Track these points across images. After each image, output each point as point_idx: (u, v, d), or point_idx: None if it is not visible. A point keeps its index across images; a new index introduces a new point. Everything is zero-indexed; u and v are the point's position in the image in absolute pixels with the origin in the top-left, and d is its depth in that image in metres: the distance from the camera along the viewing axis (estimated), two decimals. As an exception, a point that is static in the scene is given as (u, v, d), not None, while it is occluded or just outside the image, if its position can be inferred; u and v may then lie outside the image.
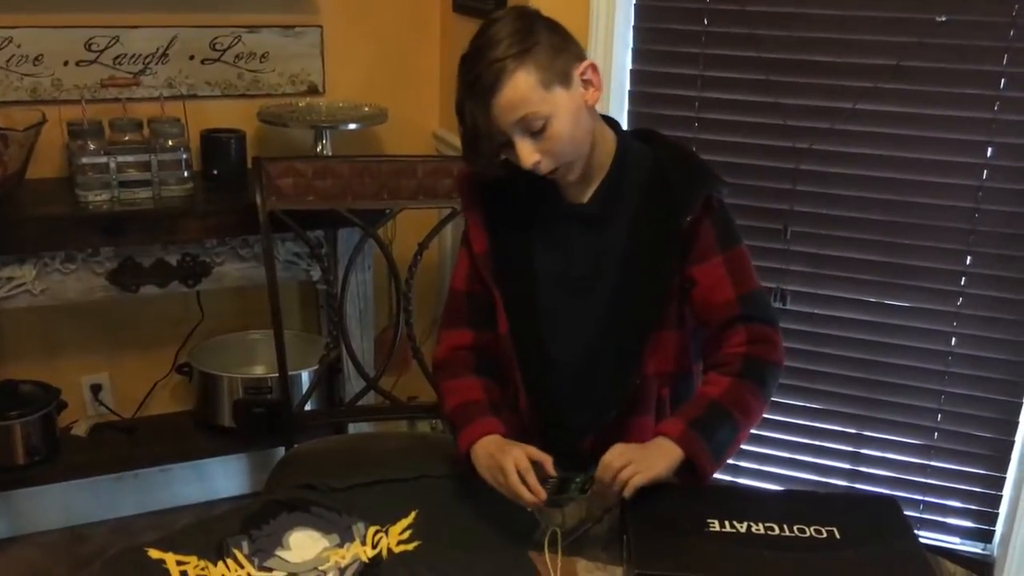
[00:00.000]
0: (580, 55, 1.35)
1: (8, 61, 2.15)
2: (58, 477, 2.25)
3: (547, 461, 1.28)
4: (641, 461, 1.26)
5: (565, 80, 1.30)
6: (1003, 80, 1.85)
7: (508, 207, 1.45)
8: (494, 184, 1.44)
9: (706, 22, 2.02)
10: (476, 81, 1.27)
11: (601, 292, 1.42)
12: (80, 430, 2.36)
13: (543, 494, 1.25)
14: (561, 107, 1.29)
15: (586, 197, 1.42)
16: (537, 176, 1.36)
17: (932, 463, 2.06)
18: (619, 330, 1.42)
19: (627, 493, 1.24)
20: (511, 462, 1.26)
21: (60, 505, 2.41)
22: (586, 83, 1.34)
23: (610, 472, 1.25)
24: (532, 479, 1.25)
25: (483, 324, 1.49)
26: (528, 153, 1.30)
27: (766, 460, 2.20)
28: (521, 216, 1.45)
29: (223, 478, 2.57)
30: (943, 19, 1.85)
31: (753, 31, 1.97)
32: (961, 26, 1.84)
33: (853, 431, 2.12)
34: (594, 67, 1.35)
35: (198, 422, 2.44)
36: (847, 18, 1.91)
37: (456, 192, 1.54)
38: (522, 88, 1.27)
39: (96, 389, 2.46)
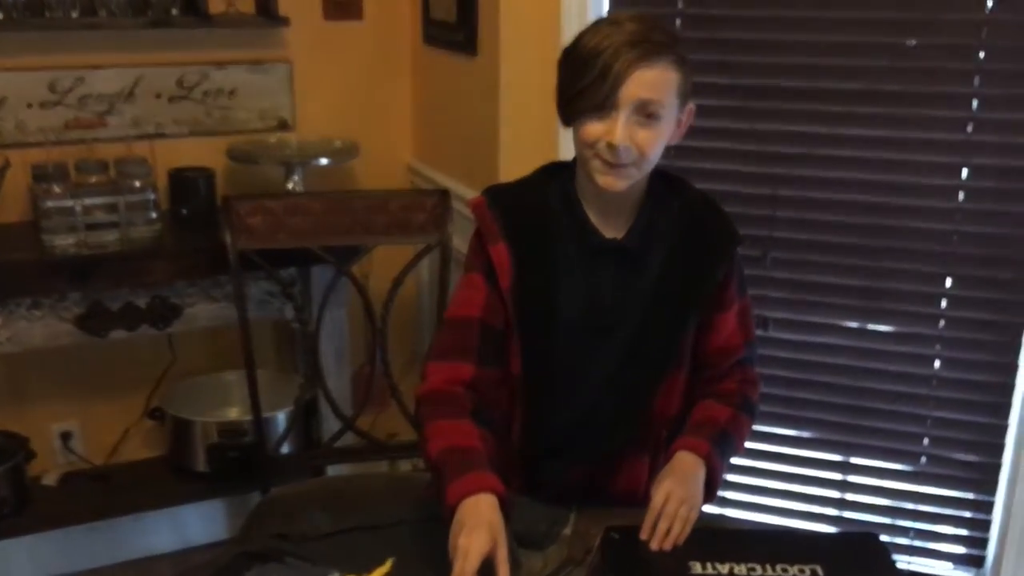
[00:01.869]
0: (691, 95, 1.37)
1: (-30, 105, 2.11)
2: (28, 529, 2.18)
3: (502, 568, 1.14)
4: (692, 497, 1.28)
5: (682, 105, 1.34)
6: (975, 101, 1.85)
7: (534, 240, 1.39)
8: (519, 214, 1.40)
9: (690, 68, 2.00)
10: (639, 42, 1.25)
11: (623, 329, 1.39)
12: (50, 479, 2.30)
13: None
14: (669, 121, 1.32)
15: (620, 232, 1.39)
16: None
17: (921, 489, 2.04)
18: (635, 369, 1.40)
19: (685, 535, 1.24)
20: (471, 555, 1.12)
21: (31, 557, 2.33)
22: (679, 121, 1.35)
23: (668, 519, 1.25)
24: None
25: (491, 359, 1.38)
26: (623, 132, 1.27)
27: (753, 490, 2.17)
28: (547, 250, 1.39)
29: (199, 525, 2.50)
30: (913, 43, 1.85)
31: (725, 58, 1.96)
32: (931, 49, 1.85)
33: (839, 458, 2.09)
34: (692, 113, 1.37)
35: (172, 468, 2.38)
36: (819, 43, 1.91)
37: (474, 219, 1.42)
38: (668, 78, 1.28)
39: (66, 437, 2.40)
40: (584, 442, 1.42)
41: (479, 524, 1.14)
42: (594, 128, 1.29)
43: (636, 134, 1.28)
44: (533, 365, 1.39)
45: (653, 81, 1.26)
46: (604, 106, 1.27)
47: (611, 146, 1.27)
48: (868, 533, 1.30)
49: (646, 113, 1.27)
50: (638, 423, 1.42)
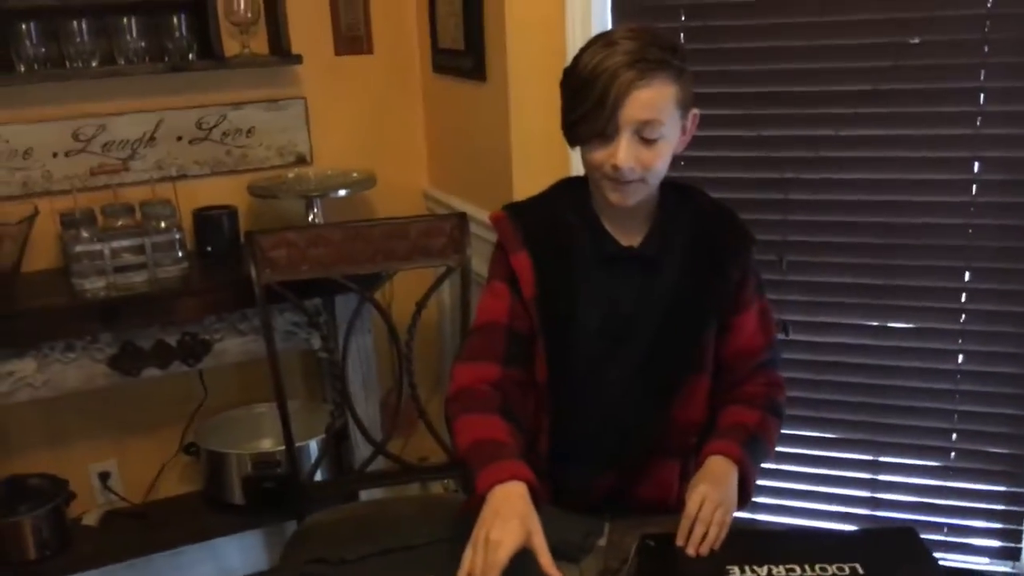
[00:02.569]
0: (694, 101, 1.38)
1: (-2, 157, 2.18)
2: (71, 569, 2.21)
3: (543, 555, 1.12)
4: (726, 501, 1.29)
5: (684, 114, 1.36)
6: (982, 95, 1.86)
7: (554, 249, 1.43)
8: (538, 225, 1.44)
9: (687, 62, 2.03)
10: (634, 62, 1.26)
11: (643, 335, 1.42)
12: (90, 520, 2.33)
13: None
14: (673, 133, 1.34)
15: (636, 240, 1.42)
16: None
17: (951, 484, 2.03)
18: (658, 374, 1.42)
19: (721, 539, 1.25)
20: (502, 548, 1.10)
21: (75, 598, 2.37)
22: (684, 129, 1.38)
23: (704, 524, 1.26)
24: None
25: (517, 362, 1.41)
26: (627, 154, 1.30)
27: (783, 494, 2.17)
28: (567, 259, 1.42)
29: (237, 556, 2.53)
30: (916, 41, 1.87)
31: (729, 67, 1.98)
32: (935, 46, 1.86)
33: (868, 458, 2.10)
34: (696, 119, 1.40)
35: (208, 501, 2.41)
36: (820, 48, 1.93)
37: (496, 231, 1.46)
38: (666, 95, 1.30)
39: (104, 476, 2.44)
40: (611, 449, 1.44)
41: (511, 515, 1.13)
42: (598, 153, 1.33)
43: (640, 153, 1.31)
44: (557, 371, 1.42)
45: (651, 101, 1.28)
46: (605, 131, 1.30)
47: (616, 168, 1.30)
48: (905, 527, 1.30)
49: (647, 132, 1.30)
50: (663, 429, 1.44)
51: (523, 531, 1.12)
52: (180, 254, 2.16)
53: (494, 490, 1.17)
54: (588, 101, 1.28)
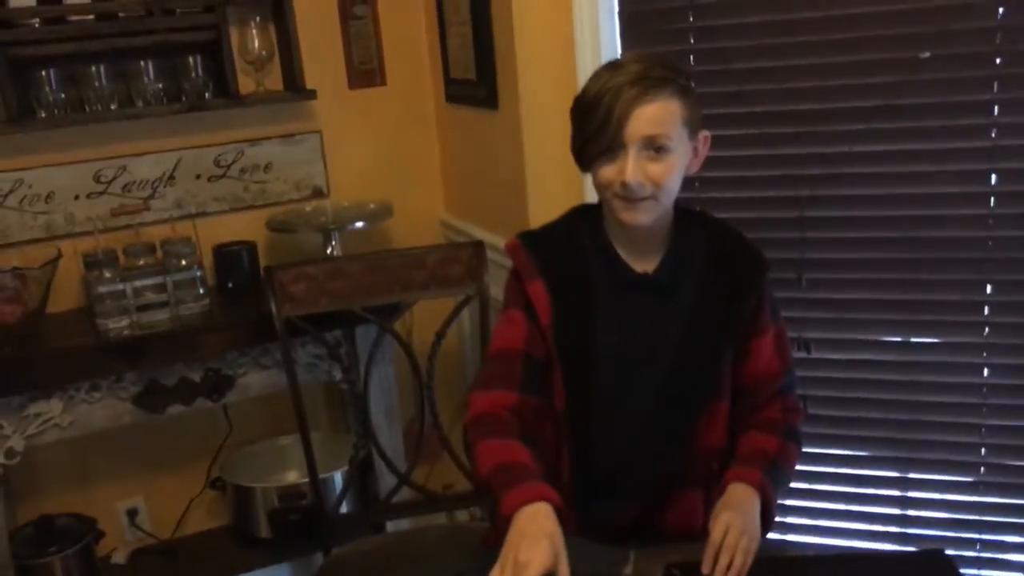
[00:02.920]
0: (703, 124, 1.40)
1: (21, 202, 2.21)
2: (101, 608, 2.23)
3: None
4: (751, 528, 1.29)
5: (693, 133, 1.38)
6: (996, 107, 1.85)
7: (569, 277, 1.43)
8: (553, 253, 1.45)
9: (693, 84, 2.04)
10: (638, 80, 1.29)
11: (661, 362, 1.42)
12: (119, 557, 2.35)
13: None
14: (681, 151, 1.35)
15: (651, 266, 1.43)
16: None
17: (982, 499, 2.00)
18: (676, 400, 1.42)
19: (747, 567, 1.25)
20: (531, 568, 1.10)
21: (106, 636, 2.38)
22: (696, 150, 1.40)
23: (729, 552, 1.25)
24: None
25: (534, 389, 1.41)
26: (635, 170, 1.31)
27: (811, 513, 2.15)
28: (582, 286, 1.43)
29: (265, 591, 2.54)
30: (927, 55, 1.86)
31: (740, 87, 1.99)
32: (946, 60, 1.85)
33: (896, 475, 2.07)
34: (708, 140, 1.41)
35: (235, 535, 2.43)
36: (830, 65, 1.92)
37: (510, 259, 1.47)
38: (670, 111, 1.32)
39: (132, 514, 2.45)
40: (632, 477, 1.44)
41: (539, 536, 1.12)
42: (607, 171, 1.34)
43: (648, 169, 1.32)
44: (576, 399, 1.42)
45: (655, 116, 1.30)
46: (612, 148, 1.31)
47: (624, 184, 1.31)
48: (934, 550, 1.28)
49: (654, 147, 1.31)
50: (684, 455, 1.43)
51: (552, 551, 1.11)
52: (201, 291, 2.18)
53: (520, 511, 1.16)
54: (595, 121, 1.31)
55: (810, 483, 2.13)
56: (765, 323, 1.45)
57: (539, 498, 1.18)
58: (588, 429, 1.43)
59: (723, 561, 1.24)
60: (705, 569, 1.25)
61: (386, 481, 2.26)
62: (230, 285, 2.32)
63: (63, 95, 2.16)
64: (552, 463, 1.44)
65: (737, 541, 1.25)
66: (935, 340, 1.99)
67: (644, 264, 1.43)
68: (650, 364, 1.42)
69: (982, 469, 1.99)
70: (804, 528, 2.16)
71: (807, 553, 1.85)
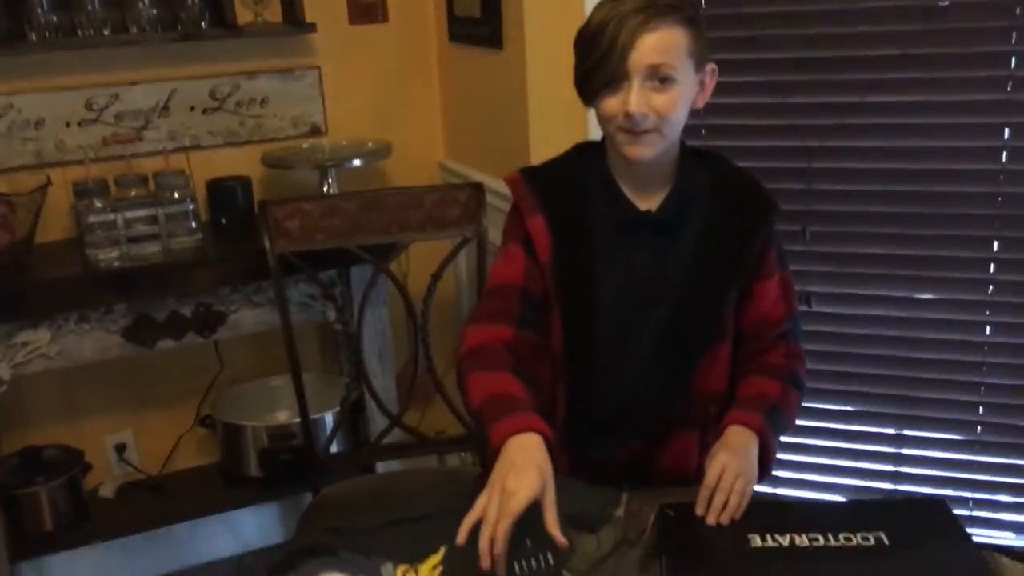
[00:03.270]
0: (710, 56, 1.35)
1: (10, 127, 2.16)
2: (88, 540, 2.22)
3: (549, 512, 1.08)
4: (747, 470, 1.26)
5: (699, 66, 1.33)
6: (1013, 59, 1.80)
7: (570, 213, 1.39)
8: (554, 189, 1.40)
9: (700, 13, 1.99)
10: (643, 8, 1.25)
11: (663, 303, 1.38)
12: (107, 491, 2.34)
13: (499, 571, 1.05)
14: (686, 82, 1.30)
15: (654, 204, 1.39)
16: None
17: (977, 458, 1.99)
18: (678, 342, 1.39)
19: (742, 509, 1.22)
20: (519, 496, 1.05)
21: (94, 569, 2.37)
22: (702, 84, 1.35)
23: (724, 493, 1.22)
24: (501, 545, 1.04)
25: (530, 325, 1.37)
26: (638, 100, 1.27)
27: (805, 468, 2.14)
28: (584, 223, 1.39)
29: (255, 528, 2.53)
30: (946, 3, 1.81)
31: (752, 33, 1.94)
32: (965, 9, 1.81)
33: (892, 431, 2.06)
34: (715, 73, 1.36)
35: (225, 474, 2.41)
36: (846, 12, 1.88)
37: (510, 193, 1.43)
38: (676, 40, 1.27)
39: (120, 448, 2.44)
40: (630, 420, 1.42)
41: (528, 465, 1.09)
42: (610, 102, 1.29)
43: (652, 100, 1.27)
44: (574, 340, 1.38)
45: (659, 45, 1.25)
46: (616, 78, 1.27)
47: (628, 116, 1.27)
48: (935, 498, 1.26)
49: (659, 78, 1.27)
50: (683, 399, 1.41)
51: (540, 482, 1.07)
52: (194, 225, 2.14)
53: (510, 441, 1.13)
54: (598, 50, 1.26)
55: (804, 438, 2.11)
56: (771, 267, 1.42)
57: (530, 429, 1.14)
58: (585, 370, 1.40)
59: (717, 501, 1.22)
60: (699, 510, 1.23)
61: (377, 424, 2.24)
62: (223, 221, 2.28)
63: (55, 18, 2.09)
64: (547, 404, 1.41)
65: (732, 483, 1.23)
66: (938, 297, 1.96)
67: (648, 202, 1.39)
68: (651, 305, 1.38)
69: (979, 428, 1.98)
70: (795, 483, 2.15)
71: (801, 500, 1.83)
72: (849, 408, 2.08)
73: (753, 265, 1.39)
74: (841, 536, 1.14)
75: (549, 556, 1.05)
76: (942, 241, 1.93)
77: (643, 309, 1.38)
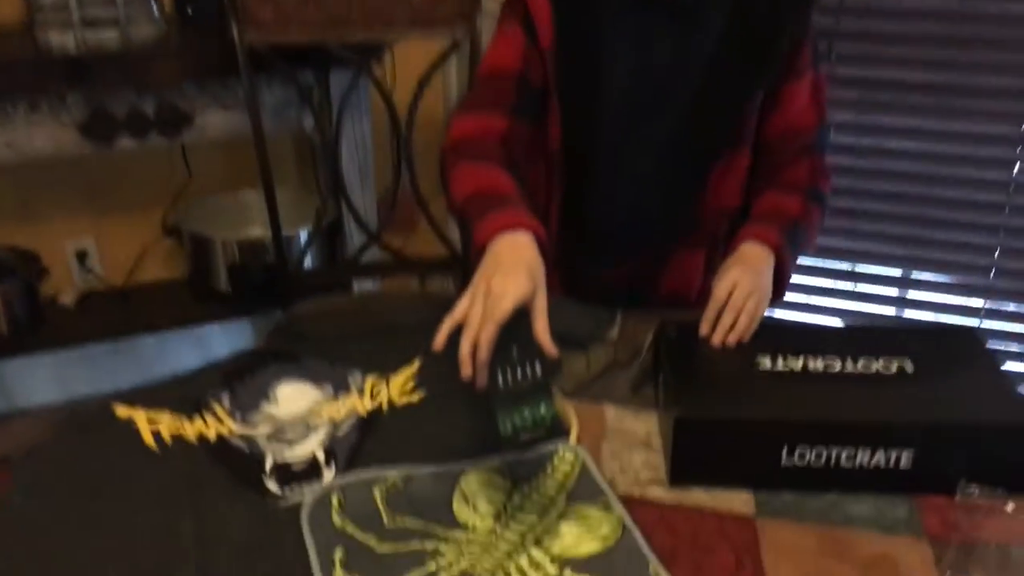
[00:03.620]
0: None
1: None
2: (45, 347, 2.12)
3: (540, 318, 0.93)
4: (760, 289, 1.12)
5: None
6: None
7: None
8: None
9: None
10: None
11: (679, 99, 1.22)
12: (67, 299, 2.22)
13: (480, 380, 0.92)
14: None
15: None
16: None
17: (988, 306, 1.89)
18: (692, 145, 1.23)
19: (751, 331, 1.09)
20: (505, 298, 0.90)
21: (54, 377, 2.29)
22: None
23: (733, 312, 1.09)
24: (485, 352, 0.90)
25: (525, 115, 1.21)
26: None
27: (804, 309, 2.05)
28: (591, 3, 1.20)
29: (224, 344, 2.44)
30: None
31: None
32: None
33: (899, 274, 1.95)
34: None
35: (193, 288, 2.30)
36: None
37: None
38: None
39: (82, 256, 2.31)
40: (629, 234, 1.28)
41: (518, 265, 0.94)
42: None
43: None
44: (575, 138, 1.23)
45: None
46: None
47: None
48: (964, 327, 1.14)
49: None
50: (693, 212, 1.26)
51: (531, 283, 0.92)
52: (156, 12, 1.94)
53: (498, 238, 0.98)
54: None
55: (805, 277, 2.01)
56: (804, 64, 1.24)
57: (521, 226, 0.99)
58: (584, 174, 1.25)
59: (725, 320, 1.09)
60: (704, 328, 1.10)
61: (355, 242, 2.12)
62: (190, 12, 2.06)
63: None
64: (539, 211, 1.26)
65: (744, 301, 1.10)
66: (968, 130, 1.81)
67: None
68: (666, 101, 1.21)
69: (992, 272, 1.87)
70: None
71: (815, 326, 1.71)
72: (858, 246, 1.96)
73: (785, 61, 1.22)
74: (860, 361, 1.02)
75: (538, 367, 0.92)
76: (980, 68, 1.76)
77: (656, 104, 1.21)
